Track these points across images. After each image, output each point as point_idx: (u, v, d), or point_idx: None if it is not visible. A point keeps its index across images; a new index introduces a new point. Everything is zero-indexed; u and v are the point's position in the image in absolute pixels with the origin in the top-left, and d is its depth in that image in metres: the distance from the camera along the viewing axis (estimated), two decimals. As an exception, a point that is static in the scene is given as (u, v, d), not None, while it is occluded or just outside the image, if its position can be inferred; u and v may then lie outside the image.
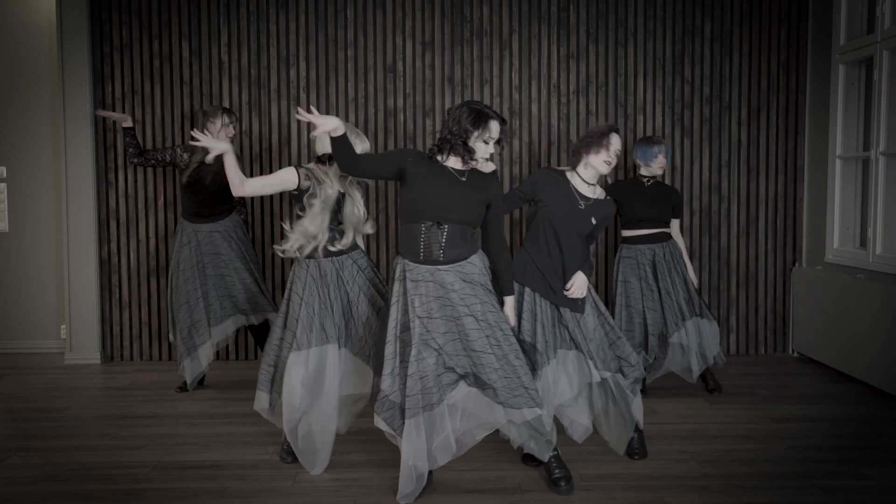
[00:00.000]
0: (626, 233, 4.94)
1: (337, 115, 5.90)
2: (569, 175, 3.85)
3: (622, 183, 5.00)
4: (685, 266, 4.92)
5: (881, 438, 4.20)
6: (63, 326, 6.20)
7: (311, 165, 3.79)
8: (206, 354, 5.06)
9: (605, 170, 3.79)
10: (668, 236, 4.92)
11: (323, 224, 3.70)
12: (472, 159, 3.42)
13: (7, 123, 6.20)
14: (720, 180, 6.03)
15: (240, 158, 5.82)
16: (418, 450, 3.34)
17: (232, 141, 5.18)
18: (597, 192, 3.86)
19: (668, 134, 5.99)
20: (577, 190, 3.81)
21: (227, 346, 5.99)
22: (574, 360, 3.78)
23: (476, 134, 3.38)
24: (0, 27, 6.17)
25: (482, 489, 3.53)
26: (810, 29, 5.96)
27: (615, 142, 3.81)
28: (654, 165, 4.89)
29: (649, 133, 5.95)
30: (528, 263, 3.78)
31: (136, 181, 5.93)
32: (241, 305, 5.16)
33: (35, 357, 6.14)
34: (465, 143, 3.39)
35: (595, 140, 3.80)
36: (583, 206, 3.77)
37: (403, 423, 3.35)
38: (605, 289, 6.01)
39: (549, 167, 3.83)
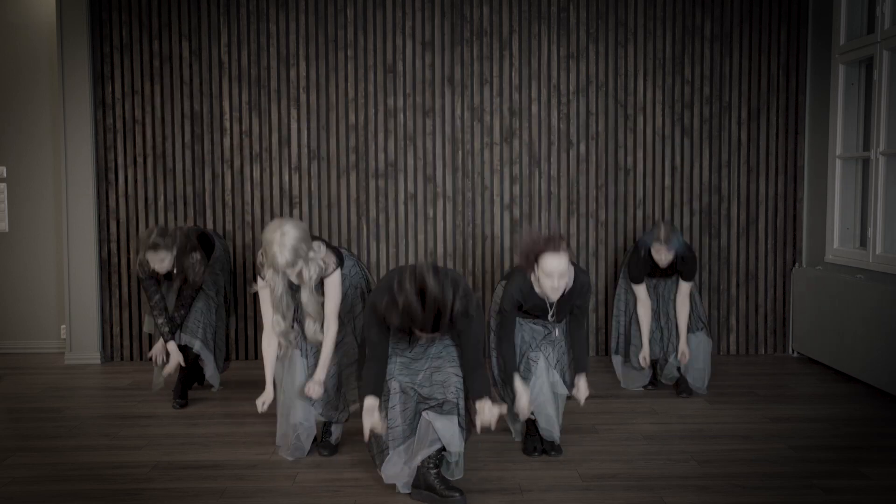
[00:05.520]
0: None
1: (337, 115, 5.91)
2: (532, 280, 3.66)
3: (637, 262, 4.84)
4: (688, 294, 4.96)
5: (881, 438, 4.20)
6: (63, 326, 6.20)
7: (268, 270, 3.70)
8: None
9: (554, 295, 3.53)
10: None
11: (276, 316, 3.78)
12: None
13: (7, 123, 6.20)
14: (720, 180, 6.03)
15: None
16: (400, 476, 3.43)
17: (164, 272, 4.62)
18: (563, 289, 3.59)
19: (668, 134, 5.98)
20: (547, 299, 3.68)
21: (227, 347, 5.97)
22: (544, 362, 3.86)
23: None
24: (0, 27, 6.17)
25: (482, 489, 3.53)
26: (810, 29, 5.96)
27: (548, 264, 3.39)
28: (657, 257, 4.75)
29: (649, 133, 5.95)
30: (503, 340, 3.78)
31: (136, 181, 5.93)
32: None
33: (35, 357, 6.14)
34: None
35: (528, 259, 3.49)
36: (551, 319, 3.78)
37: (383, 451, 3.45)
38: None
39: (515, 284, 3.62)
